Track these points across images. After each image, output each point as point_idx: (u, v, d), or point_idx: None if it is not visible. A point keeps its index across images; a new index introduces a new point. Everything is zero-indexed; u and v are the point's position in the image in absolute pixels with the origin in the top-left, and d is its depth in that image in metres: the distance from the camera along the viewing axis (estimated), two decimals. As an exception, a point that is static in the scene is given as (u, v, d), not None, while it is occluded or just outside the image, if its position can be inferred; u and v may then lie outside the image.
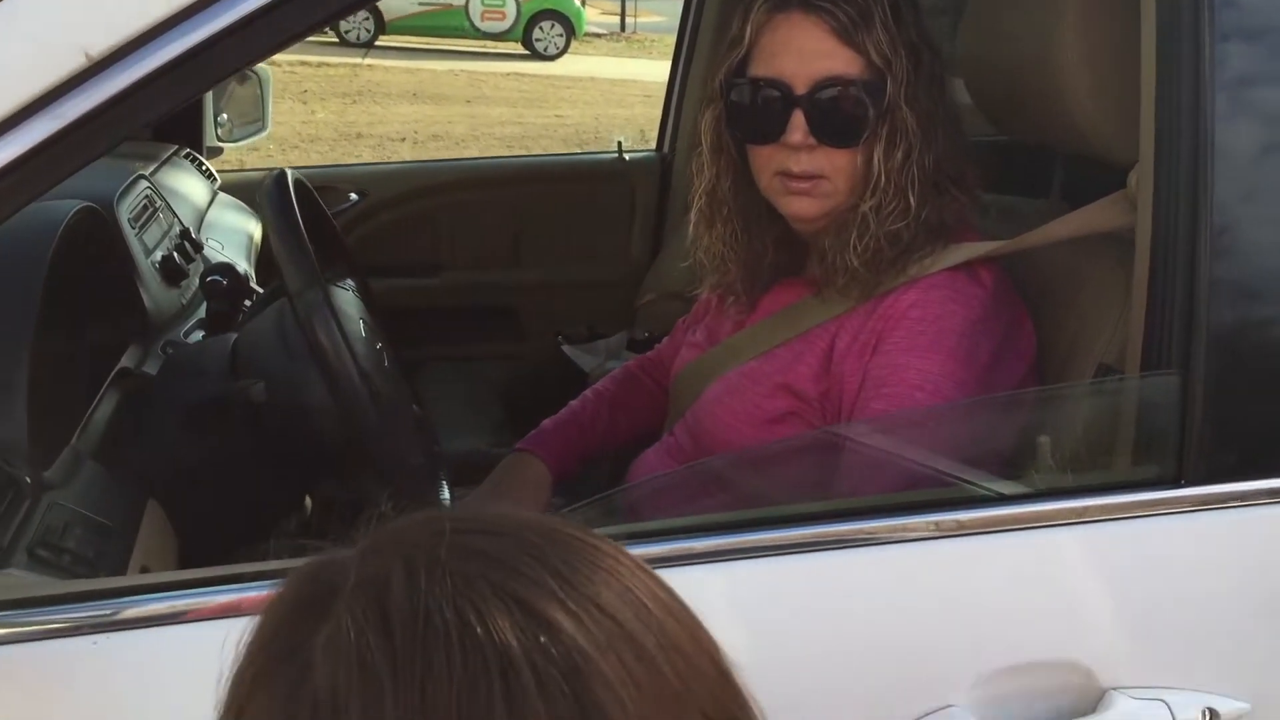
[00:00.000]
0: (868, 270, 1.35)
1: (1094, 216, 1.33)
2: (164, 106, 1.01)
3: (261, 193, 1.44)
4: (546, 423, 1.77)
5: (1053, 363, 1.38)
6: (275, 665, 0.51)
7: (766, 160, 1.39)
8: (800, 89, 1.34)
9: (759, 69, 1.37)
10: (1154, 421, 1.16)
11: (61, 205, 1.45)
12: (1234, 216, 1.14)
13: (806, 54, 1.34)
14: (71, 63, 0.95)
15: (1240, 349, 1.15)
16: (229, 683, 0.53)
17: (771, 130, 1.36)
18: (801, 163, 1.35)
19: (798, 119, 1.34)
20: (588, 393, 1.85)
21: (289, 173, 1.47)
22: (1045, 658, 1.12)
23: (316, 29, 1.08)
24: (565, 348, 2.41)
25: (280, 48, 1.07)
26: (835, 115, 1.34)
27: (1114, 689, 1.11)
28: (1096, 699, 1.11)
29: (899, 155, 1.34)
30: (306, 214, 1.47)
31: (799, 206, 1.39)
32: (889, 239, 1.34)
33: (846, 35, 1.33)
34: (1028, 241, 1.36)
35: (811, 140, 1.34)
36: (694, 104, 2.65)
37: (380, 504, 0.60)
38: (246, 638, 0.54)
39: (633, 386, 1.83)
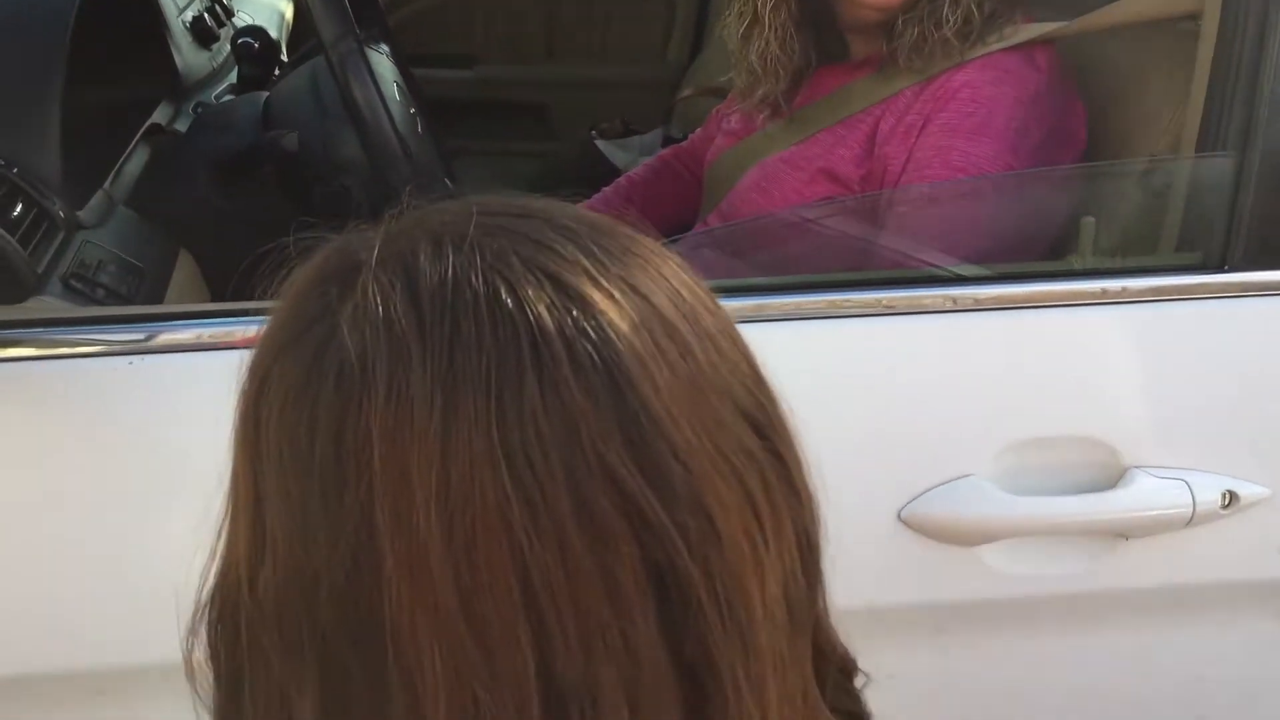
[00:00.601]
0: (958, 39, 1.30)
1: (1163, -1, 1.27)
2: None
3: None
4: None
5: (1105, 156, 1.35)
6: (301, 332, 0.49)
7: None
8: None
9: None
10: (1203, 204, 1.14)
11: (91, -57, 1.41)
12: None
13: None
14: None
15: (1300, 134, 1.11)
16: (254, 352, 0.51)
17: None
18: None
19: None
20: (620, 180, 1.83)
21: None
22: (1069, 433, 1.12)
23: None
24: (599, 142, 2.36)
25: None
26: None
27: (1136, 467, 1.12)
28: (1118, 476, 1.12)
29: None
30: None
31: None
32: (977, 4, 1.29)
33: None
34: (1091, 23, 1.31)
35: None
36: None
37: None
38: (273, 310, 0.52)
39: (666, 175, 1.81)
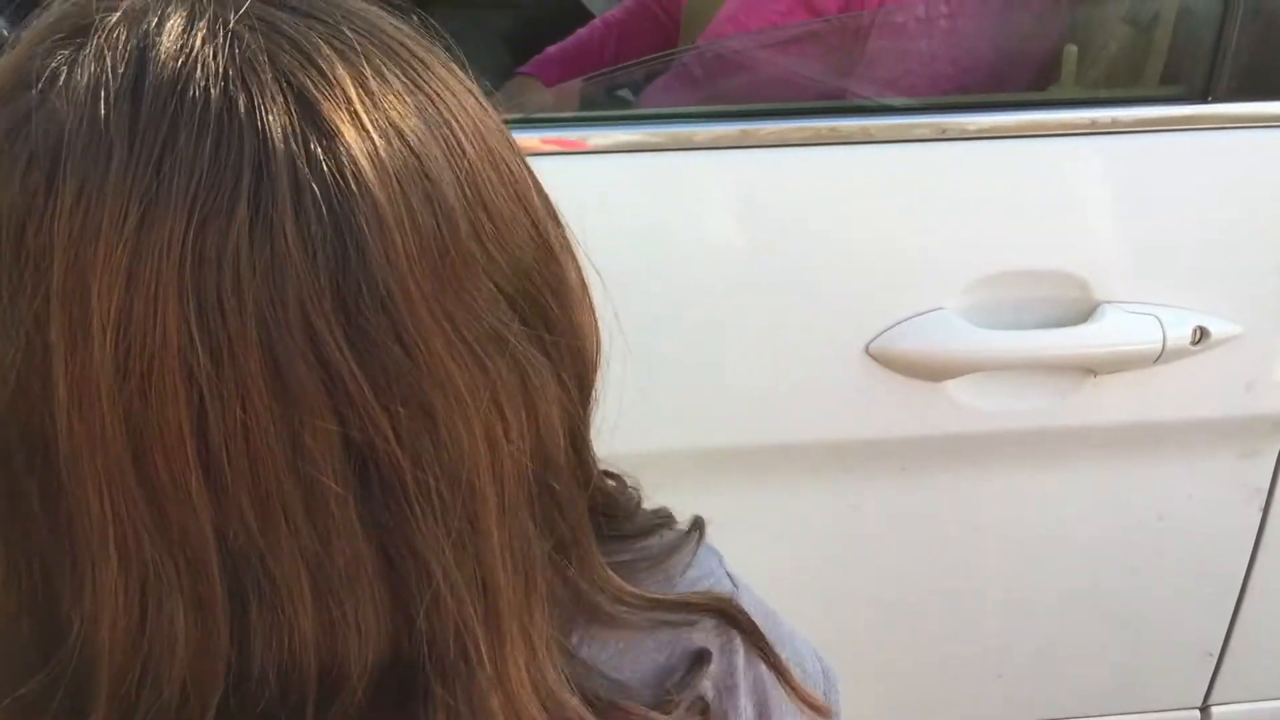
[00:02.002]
0: None
1: None
2: None
3: None
4: (551, 49, 1.71)
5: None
6: (5, 94, 0.42)
7: None
8: None
9: None
10: (1187, 33, 1.10)
11: None
12: None
13: None
14: None
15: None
16: None
17: None
18: None
19: None
20: (596, 21, 1.78)
21: None
22: (1041, 267, 1.11)
23: None
24: (575, -13, 2.29)
25: None
26: None
27: (1107, 302, 1.10)
28: (1089, 311, 1.11)
29: None
30: None
31: None
32: None
33: None
34: None
35: None
36: None
37: None
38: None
39: (643, 15, 1.76)
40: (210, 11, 0.42)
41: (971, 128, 1.08)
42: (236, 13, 0.42)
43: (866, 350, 1.09)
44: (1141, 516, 1.24)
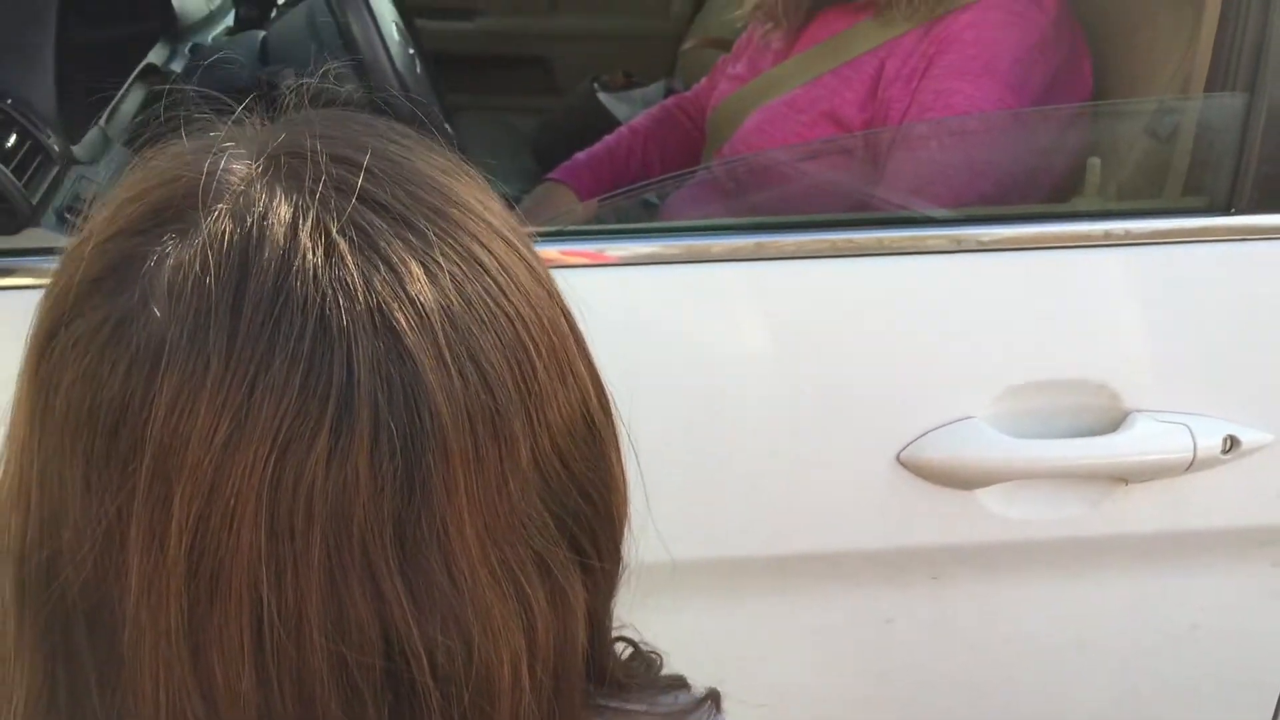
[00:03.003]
0: None
1: (1172, -63, 1.25)
2: None
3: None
4: (579, 155, 1.74)
5: (1112, 97, 1.33)
6: (110, 277, 0.43)
7: None
8: None
9: None
10: (1210, 146, 1.12)
11: (87, -124, 1.39)
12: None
13: None
14: None
15: (1310, 76, 1.10)
16: (59, 271, 0.45)
17: None
18: None
19: None
20: (622, 129, 1.81)
21: None
22: (1071, 376, 1.11)
23: None
24: (601, 95, 2.34)
25: None
26: None
27: (1137, 411, 1.11)
28: (1119, 419, 1.11)
29: None
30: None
31: None
32: None
33: None
34: (1097, -37, 1.29)
35: None
36: None
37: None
38: (93, 216, 0.46)
39: (669, 123, 1.79)
40: (314, 213, 0.43)
41: (995, 239, 1.10)
42: (338, 219, 0.43)
43: (897, 459, 1.10)
44: (1175, 626, 1.23)
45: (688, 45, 2.42)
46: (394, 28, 1.48)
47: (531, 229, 0.51)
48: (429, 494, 0.42)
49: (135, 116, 1.45)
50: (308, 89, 0.52)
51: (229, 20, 1.82)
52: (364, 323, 0.41)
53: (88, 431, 0.42)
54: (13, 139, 1.13)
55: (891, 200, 1.22)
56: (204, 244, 0.42)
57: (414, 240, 0.44)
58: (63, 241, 1.12)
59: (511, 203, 0.51)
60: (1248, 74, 1.09)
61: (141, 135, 0.49)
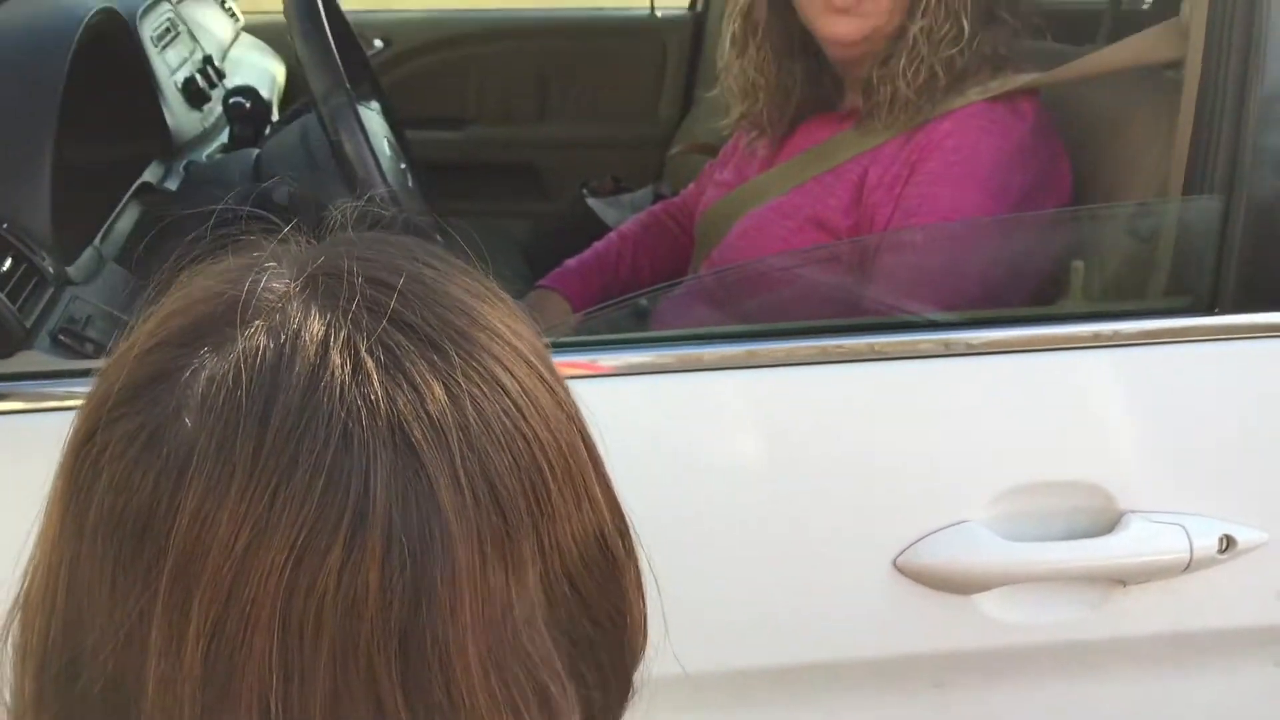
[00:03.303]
0: (919, 97, 1.32)
1: (1145, 45, 1.28)
2: None
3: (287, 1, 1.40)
4: (569, 262, 1.76)
5: (1092, 200, 1.35)
6: (146, 390, 0.45)
7: None
8: None
9: None
10: (1191, 247, 1.14)
11: (83, 2, 1.42)
12: (1289, 40, 1.10)
13: None
14: None
15: (1285, 176, 1.12)
16: (99, 382, 0.48)
17: (817, -60, 1.31)
18: None
19: None
20: (611, 235, 1.83)
21: (316, -17, 1.43)
22: (1063, 478, 1.12)
23: None
24: (589, 200, 2.37)
25: None
26: (883, -75, 1.29)
27: (1132, 512, 1.11)
28: (1114, 521, 1.11)
29: None
30: (333, 29, 1.44)
31: (839, 28, 1.35)
32: (943, 65, 1.31)
33: None
34: (1075, 70, 1.32)
35: None
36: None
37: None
38: (135, 330, 0.48)
39: (657, 229, 1.81)
40: (345, 332, 0.44)
41: (985, 342, 1.11)
42: (368, 339, 0.44)
43: (894, 565, 1.09)
44: (1182, 728, 1.22)
45: (675, 151, 2.47)
46: (385, 143, 1.51)
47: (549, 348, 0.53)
48: (434, 610, 0.43)
49: (130, 235, 1.47)
50: (352, 211, 0.54)
51: (223, 137, 1.85)
52: (384, 438, 0.43)
53: (116, 536, 0.44)
54: (8, 263, 1.14)
55: (880, 304, 1.23)
56: (239, 358, 0.44)
57: (438, 361, 0.45)
58: (56, 364, 1.13)
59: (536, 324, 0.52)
60: (1224, 177, 1.11)
61: (188, 255, 0.51)
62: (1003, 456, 1.11)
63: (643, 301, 1.34)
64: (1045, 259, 1.21)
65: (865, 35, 1.35)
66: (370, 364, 0.44)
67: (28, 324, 1.14)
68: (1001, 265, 1.23)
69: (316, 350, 0.44)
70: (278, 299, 0.46)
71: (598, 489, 0.49)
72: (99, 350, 1.19)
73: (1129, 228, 1.20)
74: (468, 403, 0.45)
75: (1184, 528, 1.10)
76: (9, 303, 1.10)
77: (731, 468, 1.10)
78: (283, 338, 0.44)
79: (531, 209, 2.76)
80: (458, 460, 0.44)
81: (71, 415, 0.99)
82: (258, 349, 0.44)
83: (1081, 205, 1.35)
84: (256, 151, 1.56)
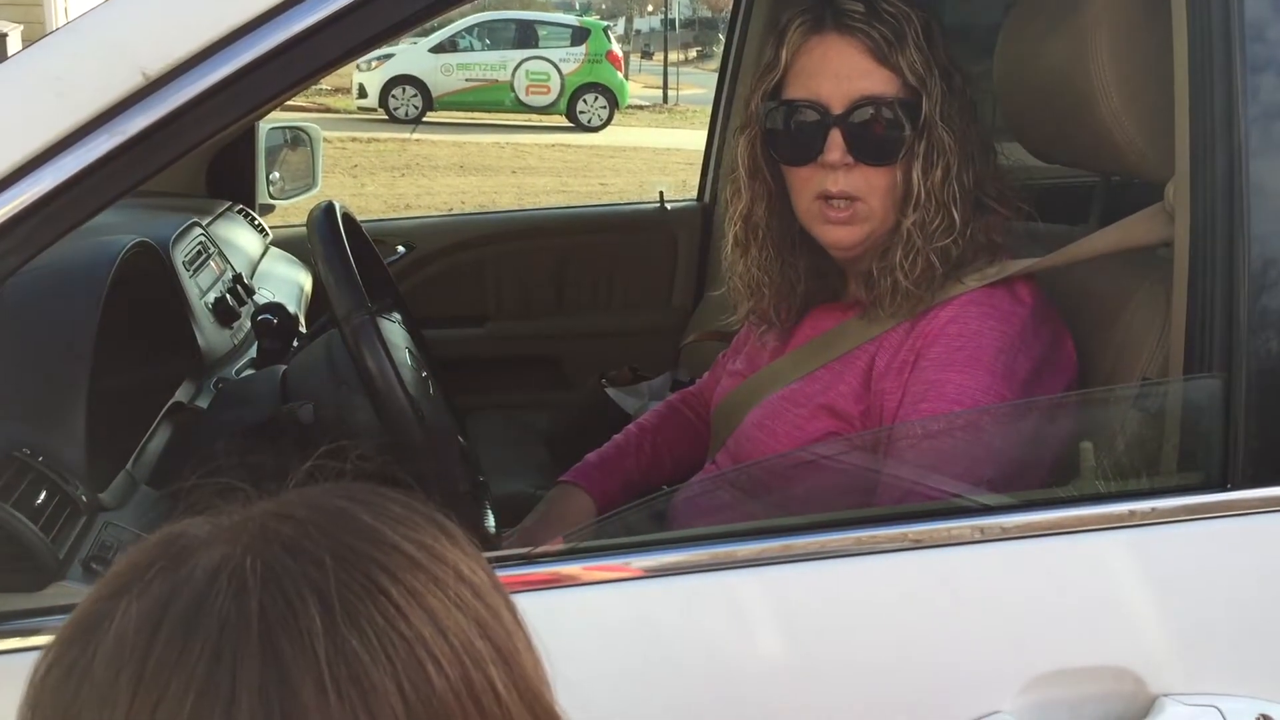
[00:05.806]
0: (919, 288, 1.36)
1: (1134, 229, 1.33)
2: (215, 125, 1.05)
3: (310, 221, 1.48)
4: (591, 455, 1.78)
5: (1096, 381, 1.38)
6: (82, 629, 0.53)
7: (804, 182, 1.41)
8: (837, 109, 1.36)
9: (796, 91, 1.40)
10: (1198, 425, 1.16)
11: (118, 239, 1.50)
12: (1272, 220, 1.14)
13: (843, 74, 1.36)
14: (130, 81, 1.00)
15: (1283, 351, 1.14)
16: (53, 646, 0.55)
17: (810, 151, 1.38)
18: (839, 182, 1.37)
19: (835, 138, 1.36)
20: (630, 427, 1.86)
21: (337, 204, 1.51)
22: (1093, 663, 1.10)
23: (353, 57, 1.11)
24: (609, 390, 2.42)
25: (319, 74, 1.10)
26: (872, 134, 1.36)
27: (1165, 695, 1.09)
28: (1147, 705, 1.09)
29: (938, 172, 1.35)
30: (355, 247, 1.51)
31: (838, 235, 1.41)
32: (939, 255, 1.36)
33: (881, 55, 1.35)
34: (1068, 255, 1.37)
35: (850, 159, 1.36)
36: (734, 154, 2.68)
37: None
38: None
39: (675, 419, 1.84)
40: (234, 561, 0.51)
41: (1012, 526, 1.12)
42: (257, 562, 0.51)
43: (928, 761, 1.08)
44: None
45: (689, 339, 2.52)
46: (406, 354, 1.56)
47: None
48: None
49: (162, 455, 1.51)
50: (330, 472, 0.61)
51: (252, 353, 1.92)
52: (253, 649, 0.48)
53: None
54: (41, 495, 1.18)
55: (898, 491, 1.24)
56: (147, 598, 0.51)
57: (313, 574, 0.50)
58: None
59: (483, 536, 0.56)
60: (1223, 354, 1.13)
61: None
62: (1031, 643, 1.11)
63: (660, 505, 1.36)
64: (1053, 441, 1.23)
65: (863, 238, 1.40)
66: (251, 584, 0.50)
67: (60, 554, 1.16)
68: (1011, 449, 1.25)
69: (206, 579, 0.50)
70: (198, 544, 0.53)
71: (490, 696, 0.52)
72: (130, 576, 1.22)
73: (1135, 408, 1.22)
74: (339, 612, 0.50)
75: (1219, 709, 1.08)
76: (44, 536, 1.13)
77: (763, 667, 1.09)
78: (181, 573, 0.51)
79: (552, 399, 2.81)
80: (323, 666, 0.48)
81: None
82: (156, 593, 0.51)
83: (1088, 381, 1.38)
84: (283, 368, 1.61)
